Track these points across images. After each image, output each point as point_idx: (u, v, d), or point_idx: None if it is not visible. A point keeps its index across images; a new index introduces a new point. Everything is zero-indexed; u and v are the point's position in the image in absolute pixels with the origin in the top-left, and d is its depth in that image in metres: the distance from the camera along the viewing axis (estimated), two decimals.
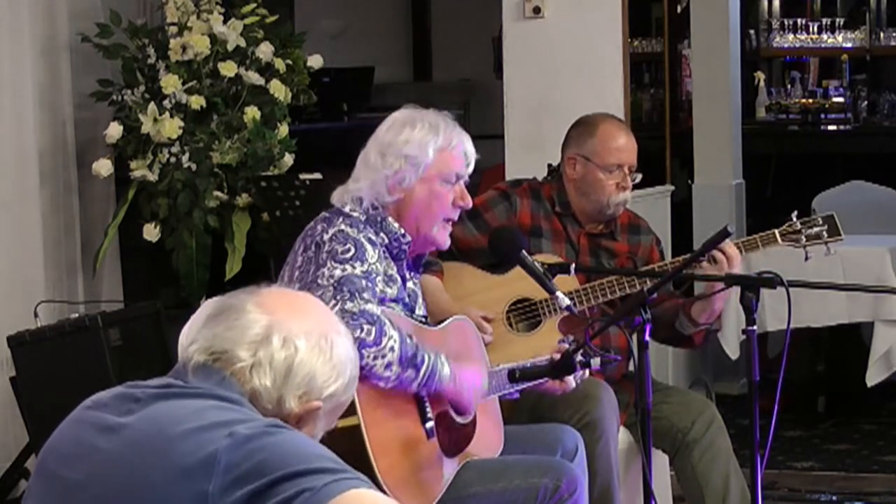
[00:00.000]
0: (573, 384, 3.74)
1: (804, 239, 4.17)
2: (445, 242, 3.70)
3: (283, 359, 2.11)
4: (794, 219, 4.18)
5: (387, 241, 3.59)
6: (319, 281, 3.40)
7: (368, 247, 3.50)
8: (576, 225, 4.43)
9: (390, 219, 3.60)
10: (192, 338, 2.15)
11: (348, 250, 3.46)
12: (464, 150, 3.65)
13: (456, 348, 3.68)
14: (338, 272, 3.42)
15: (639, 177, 4.42)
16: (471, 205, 3.70)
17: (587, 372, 3.73)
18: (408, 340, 3.39)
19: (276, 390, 2.11)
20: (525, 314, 4.22)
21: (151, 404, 2.07)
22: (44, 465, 2.11)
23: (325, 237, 3.49)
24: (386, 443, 3.38)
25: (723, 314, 6.24)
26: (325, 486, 1.92)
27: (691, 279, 4.15)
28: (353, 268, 3.44)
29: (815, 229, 4.18)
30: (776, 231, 4.18)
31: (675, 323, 4.24)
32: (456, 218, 3.70)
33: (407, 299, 3.65)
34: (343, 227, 3.51)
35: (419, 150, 3.59)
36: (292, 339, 2.13)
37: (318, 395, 2.14)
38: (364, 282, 3.42)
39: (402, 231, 3.60)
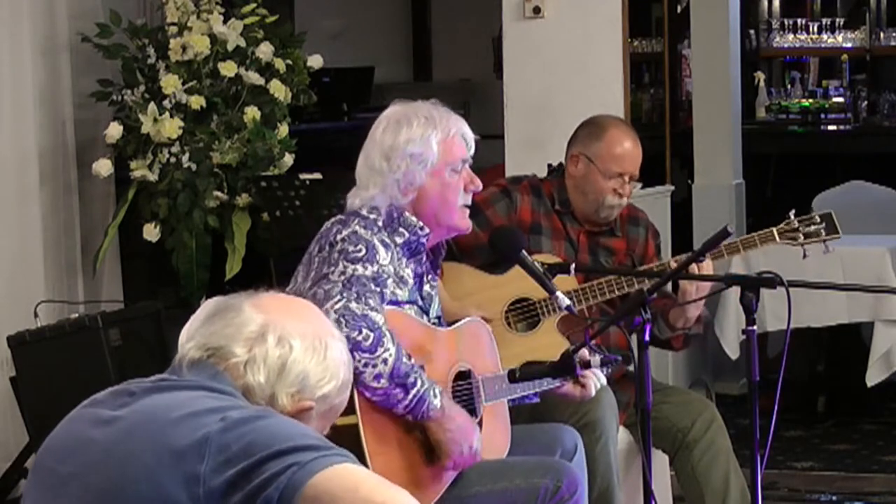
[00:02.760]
0: (593, 391, 3.74)
1: (802, 237, 4.17)
2: (468, 227, 3.69)
3: (278, 356, 2.16)
4: (792, 217, 4.19)
5: (406, 235, 3.58)
6: (331, 276, 3.40)
7: (381, 249, 3.50)
8: (575, 223, 4.43)
9: (407, 213, 3.58)
10: (191, 335, 2.20)
11: (360, 250, 3.46)
12: (462, 135, 3.63)
13: (468, 349, 3.68)
14: (349, 270, 3.42)
15: (638, 185, 4.44)
16: (481, 186, 3.70)
17: (603, 378, 3.74)
18: (405, 360, 3.37)
19: (270, 387, 2.16)
20: (524, 314, 4.22)
21: (145, 397, 2.11)
22: (39, 463, 2.16)
23: (339, 237, 3.48)
24: (383, 442, 3.38)
25: (722, 314, 6.27)
26: (313, 461, 1.98)
27: (691, 279, 4.14)
28: (365, 268, 3.43)
29: (813, 227, 4.18)
30: (774, 229, 4.19)
31: (654, 326, 4.24)
32: (470, 202, 3.68)
33: (420, 301, 3.63)
34: (357, 228, 3.50)
35: (423, 147, 3.57)
36: (287, 338, 2.17)
37: (311, 395, 2.18)
38: (372, 285, 3.42)
39: (421, 224, 3.59)
